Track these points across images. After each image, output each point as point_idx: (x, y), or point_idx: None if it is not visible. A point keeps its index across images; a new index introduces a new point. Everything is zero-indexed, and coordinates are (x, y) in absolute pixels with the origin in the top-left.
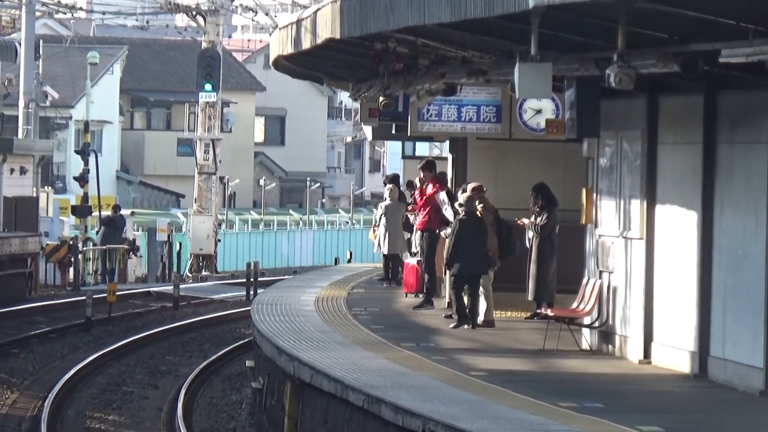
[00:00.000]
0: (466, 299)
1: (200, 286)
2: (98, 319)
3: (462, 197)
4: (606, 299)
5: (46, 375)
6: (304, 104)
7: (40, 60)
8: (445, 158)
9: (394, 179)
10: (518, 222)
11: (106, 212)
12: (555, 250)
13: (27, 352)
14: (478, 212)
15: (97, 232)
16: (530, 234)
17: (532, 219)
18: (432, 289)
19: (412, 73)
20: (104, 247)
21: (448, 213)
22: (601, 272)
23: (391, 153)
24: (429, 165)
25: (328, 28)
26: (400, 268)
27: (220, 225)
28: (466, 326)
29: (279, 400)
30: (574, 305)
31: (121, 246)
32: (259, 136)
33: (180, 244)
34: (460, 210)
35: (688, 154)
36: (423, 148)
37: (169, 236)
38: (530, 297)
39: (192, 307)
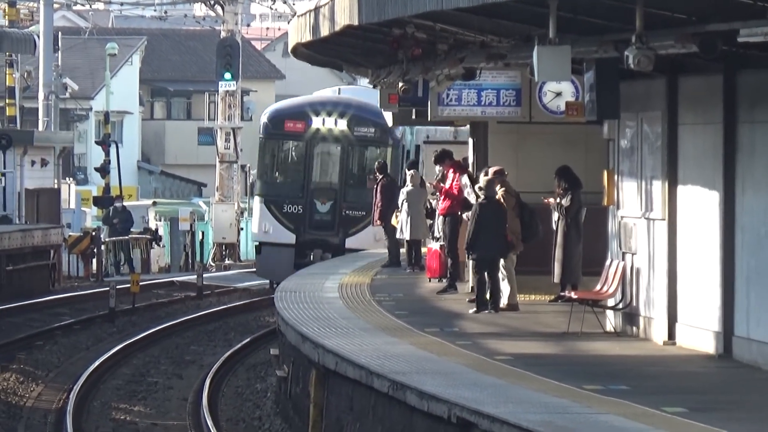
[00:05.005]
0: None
1: (224, 274)
2: (122, 309)
3: (482, 181)
4: (629, 281)
5: (70, 367)
6: None
7: (59, 52)
8: (464, 143)
9: (414, 165)
10: (544, 201)
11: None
12: (581, 233)
13: (51, 344)
14: (498, 196)
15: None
16: (556, 216)
17: (557, 200)
18: (455, 273)
19: (431, 58)
20: (116, 238)
21: (471, 197)
22: (624, 254)
23: None
24: (441, 157)
25: (346, 14)
26: (422, 253)
27: (242, 213)
28: (486, 311)
29: (304, 387)
30: (598, 287)
31: (144, 236)
32: None
33: (203, 233)
34: (479, 194)
35: (709, 134)
36: (443, 133)
37: (191, 225)
38: (556, 279)
39: (216, 296)
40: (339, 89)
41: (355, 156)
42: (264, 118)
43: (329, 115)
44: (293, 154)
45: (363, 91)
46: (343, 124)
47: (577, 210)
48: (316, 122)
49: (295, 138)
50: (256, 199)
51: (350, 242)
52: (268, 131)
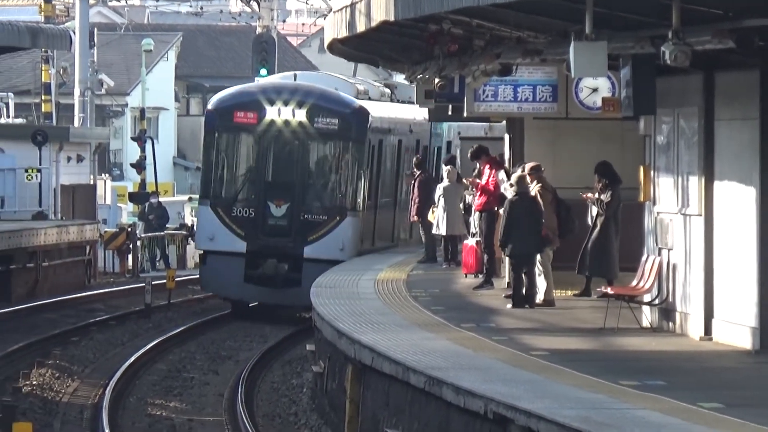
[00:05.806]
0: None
1: None
2: (158, 305)
3: (513, 177)
4: (666, 276)
5: (106, 362)
6: None
7: (95, 48)
8: (499, 138)
9: (451, 160)
10: (582, 196)
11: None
12: (619, 229)
13: (87, 340)
14: (531, 192)
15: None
16: (594, 211)
17: (597, 195)
18: (491, 269)
19: (467, 54)
20: (152, 234)
21: (508, 192)
22: (660, 249)
23: None
24: (477, 153)
25: (382, 10)
26: (459, 249)
27: None
28: (523, 307)
29: (340, 383)
30: (634, 283)
31: (180, 232)
32: None
33: None
34: (511, 190)
35: (746, 129)
36: (477, 129)
37: None
38: (588, 273)
39: None
40: (295, 75)
41: (316, 151)
42: (210, 108)
43: (286, 104)
44: (244, 149)
45: (323, 77)
46: (301, 115)
47: (617, 206)
48: (271, 112)
49: (245, 131)
50: (201, 201)
51: (310, 251)
52: (215, 123)
